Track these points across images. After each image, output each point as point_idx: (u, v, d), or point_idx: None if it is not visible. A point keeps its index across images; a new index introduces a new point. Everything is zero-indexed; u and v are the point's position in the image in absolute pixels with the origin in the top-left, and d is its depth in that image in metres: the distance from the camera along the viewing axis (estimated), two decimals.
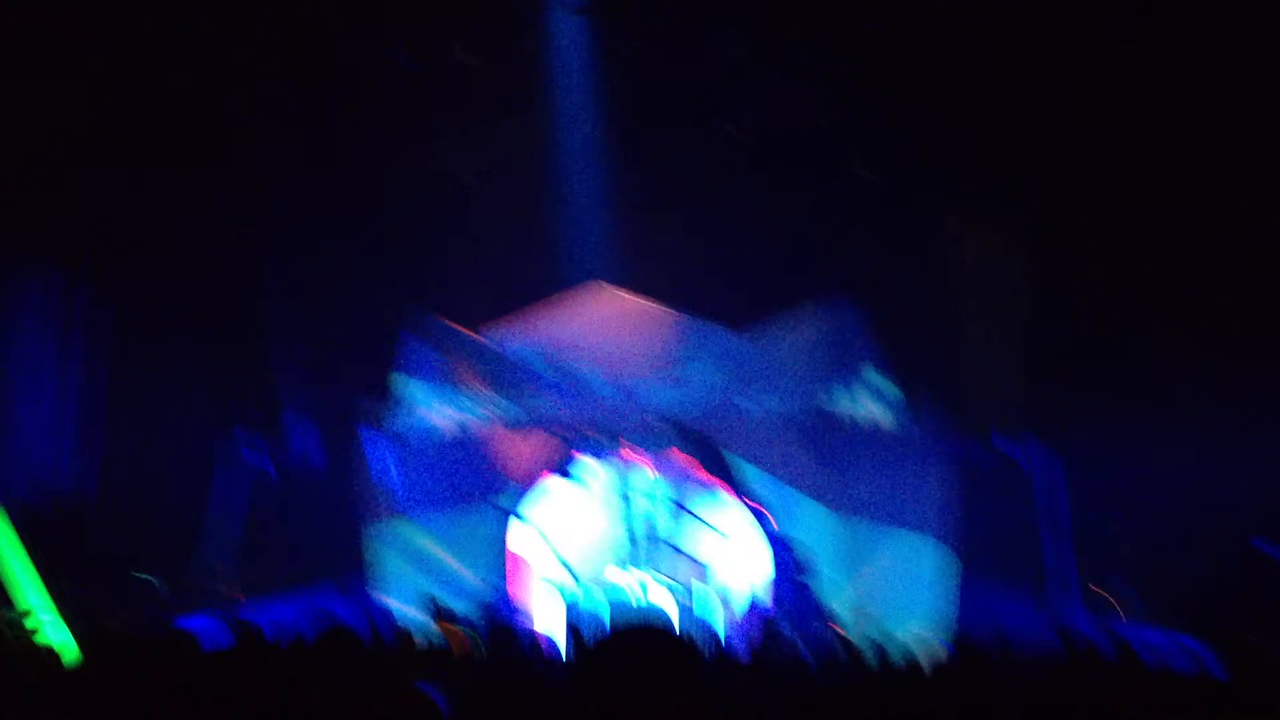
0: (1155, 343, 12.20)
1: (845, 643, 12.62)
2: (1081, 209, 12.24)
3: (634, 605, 15.01)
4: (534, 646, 9.43)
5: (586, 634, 14.30)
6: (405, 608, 13.57)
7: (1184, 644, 11.48)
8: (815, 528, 15.12)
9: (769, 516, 15.17)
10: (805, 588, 14.78)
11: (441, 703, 2.06)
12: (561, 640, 14.47)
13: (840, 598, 14.14)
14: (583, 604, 15.56)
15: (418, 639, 9.18)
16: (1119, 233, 12.01)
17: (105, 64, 13.18)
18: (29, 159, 13.09)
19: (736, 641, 13.82)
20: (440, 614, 12.31)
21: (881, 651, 9.77)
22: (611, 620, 14.77)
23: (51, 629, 12.49)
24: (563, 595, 15.68)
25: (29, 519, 13.33)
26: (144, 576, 13.71)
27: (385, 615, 12.92)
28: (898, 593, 14.10)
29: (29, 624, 12.37)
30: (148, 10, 12.87)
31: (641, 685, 2.17)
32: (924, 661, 8.87)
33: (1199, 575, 12.53)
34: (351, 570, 14.62)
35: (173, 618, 12.37)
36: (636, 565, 15.72)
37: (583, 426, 15.83)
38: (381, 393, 15.17)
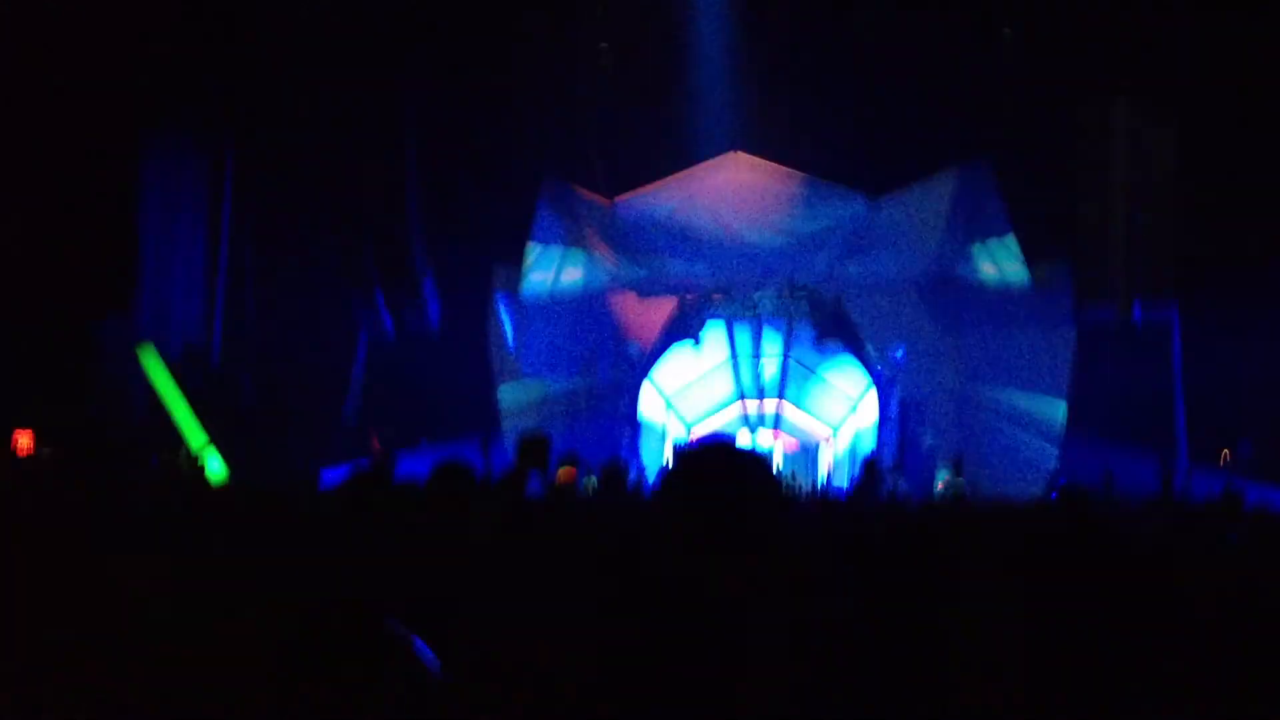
0: None
1: (949, 488, 13.20)
2: (1221, 88, 12.28)
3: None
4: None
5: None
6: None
7: None
8: (936, 387, 15.60)
9: (888, 373, 15.58)
10: (916, 439, 15.29)
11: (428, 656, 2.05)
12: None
13: (950, 450, 14.63)
14: None
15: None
16: (1264, 116, 12.06)
17: None
18: (180, 29, 13.46)
19: (840, 483, 14.34)
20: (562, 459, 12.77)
21: (982, 495, 10.18)
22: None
23: (215, 465, 13.41)
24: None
25: (183, 376, 14.05)
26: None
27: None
28: (1012, 446, 14.55)
29: (201, 461, 13.33)
30: None
31: (720, 513, 2.05)
32: (1024, 504, 9.32)
33: None
34: (486, 428, 15.14)
35: (317, 468, 13.01)
36: (758, 424, 16.26)
37: (713, 291, 16.24)
38: (517, 258, 15.59)
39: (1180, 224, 13.12)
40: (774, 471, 2.22)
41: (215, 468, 13.49)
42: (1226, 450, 13.46)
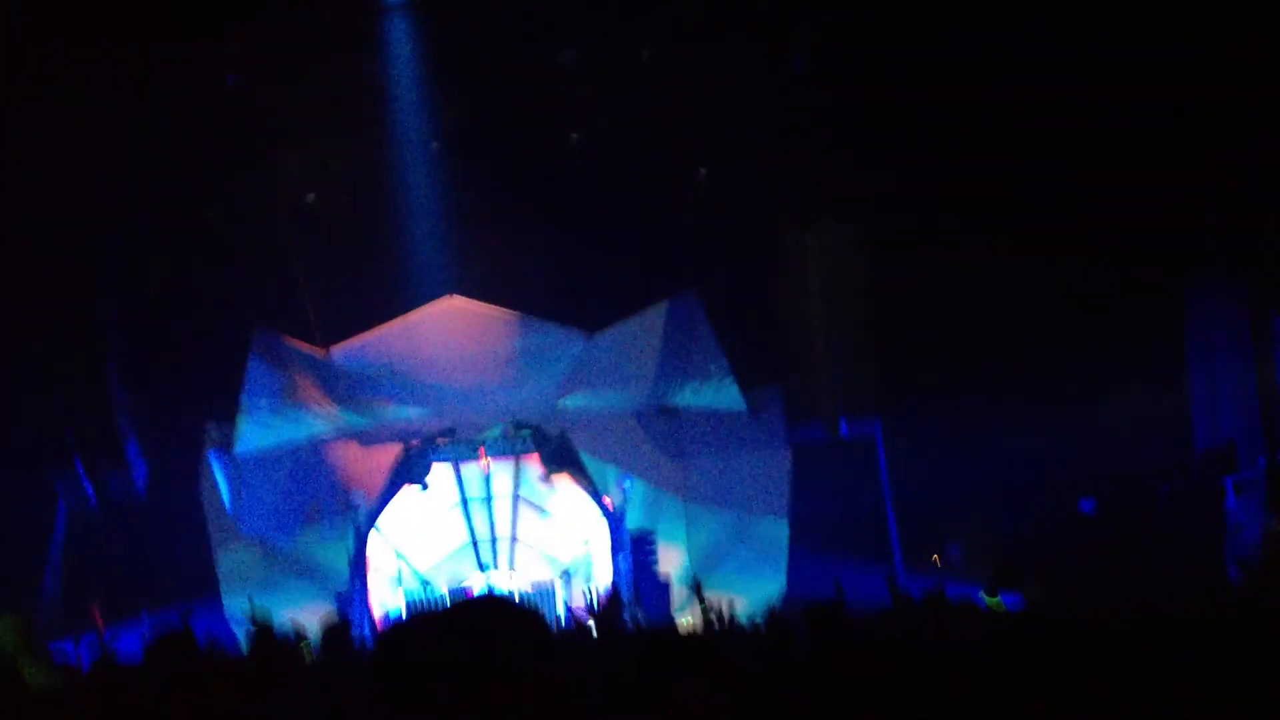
0: (985, 330, 13.33)
1: (694, 613, 13.36)
2: (916, 213, 13.23)
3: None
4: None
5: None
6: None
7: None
8: (663, 514, 15.84)
9: (618, 506, 15.73)
10: (650, 569, 15.48)
11: None
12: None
13: (686, 576, 14.77)
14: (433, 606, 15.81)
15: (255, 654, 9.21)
16: (949, 236, 13.05)
17: None
18: None
19: (580, 619, 14.30)
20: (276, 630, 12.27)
21: (724, 619, 10.42)
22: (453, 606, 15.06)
23: None
24: (413, 599, 15.86)
25: None
26: None
27: (232, 635, 12.86)
28: (741, 567, 14.88)
29: None
30: None
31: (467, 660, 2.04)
32: (763, 623, 9.59)
33: (1022, 538, 13.80)
34: (204, 594, 14.42)
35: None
36: (490, 566, 16.04)
37: (438, 435, 16.05)
38: (229, 415, 15.01)
39: (878, 342, 13.93)
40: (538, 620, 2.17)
41: None
42: (936, 555, 14.17)
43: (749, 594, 14.03)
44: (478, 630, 2.10)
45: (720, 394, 14.95)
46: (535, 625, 2.16)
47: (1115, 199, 13.09)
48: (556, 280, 14.66)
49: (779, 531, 14.61)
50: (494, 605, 2.23)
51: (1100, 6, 12.62)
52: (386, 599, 15.82)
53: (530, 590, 15.47)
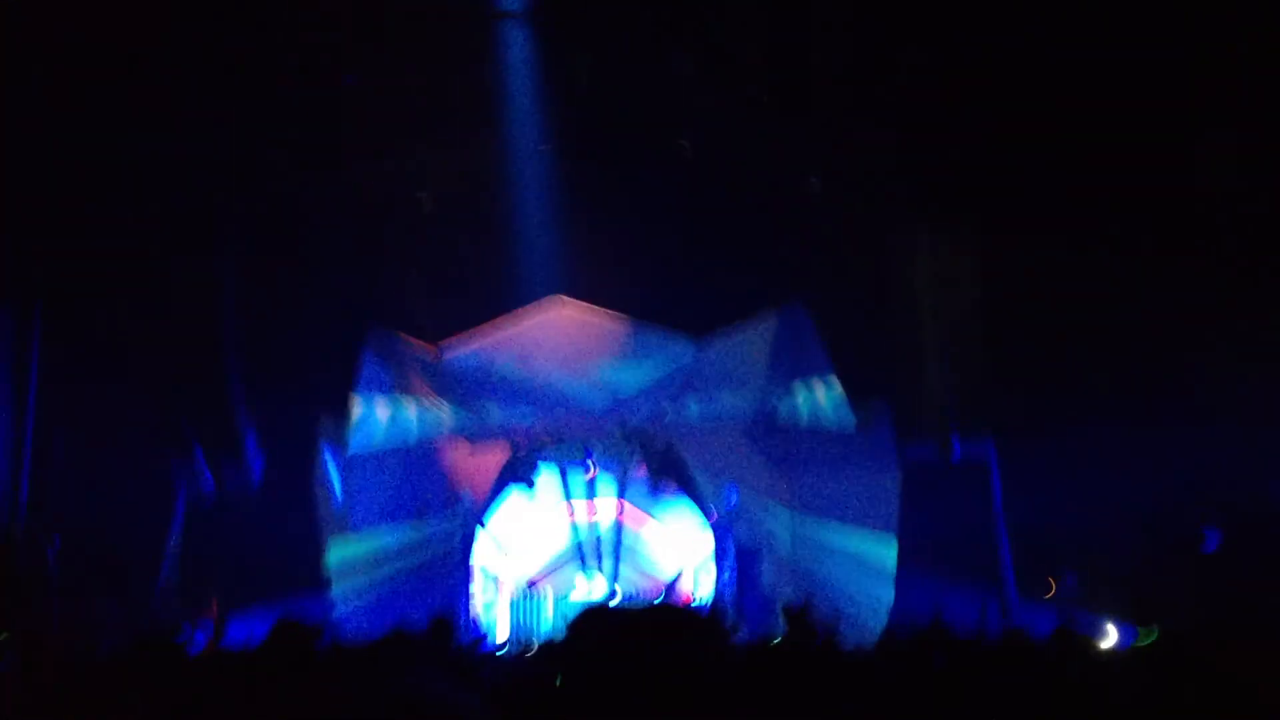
0: (1109, 346, 12.66)
1: (792, 630, 13.03)
2: (1034, 217, 12.61)
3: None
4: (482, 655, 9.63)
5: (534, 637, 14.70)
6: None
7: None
8: (769, 527, 15.55)
9: (723, 516, 15.53)
10: (755, 582, 15.21)
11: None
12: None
13: (789, 591, 14.45)
14: (538, 613, 15.84)
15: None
16: (1068, 242, 12.41)
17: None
18: None
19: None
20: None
21: (827, 637, 10.09)
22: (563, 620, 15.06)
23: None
24: (519, 606, 15.95)
25: None
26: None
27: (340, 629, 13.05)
28: (846, 585, 14.50)
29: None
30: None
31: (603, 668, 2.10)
32: (867, 646, 9.25)
33: (1141, 569, 13.11)
34: (314, 587, 14.67)
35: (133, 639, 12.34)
36: (594, 572, 16.01)
37: (542, 437, 16.06)
38: (342, 410, 15.23)
39: (991, 358, 13.37)
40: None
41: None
42: (1053, 581, 13.59)
43: (854, 614, 13.71)
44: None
45: (828, 408, 14.63)
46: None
47: (1260, 201, 12.31)
48: (665, 286, 14.47)
49: (887, 550, 14.19)
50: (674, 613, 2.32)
51: None
52: (489, 599, 15.95)
53: (627, 591, 15.47)
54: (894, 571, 14.04)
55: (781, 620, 10.68)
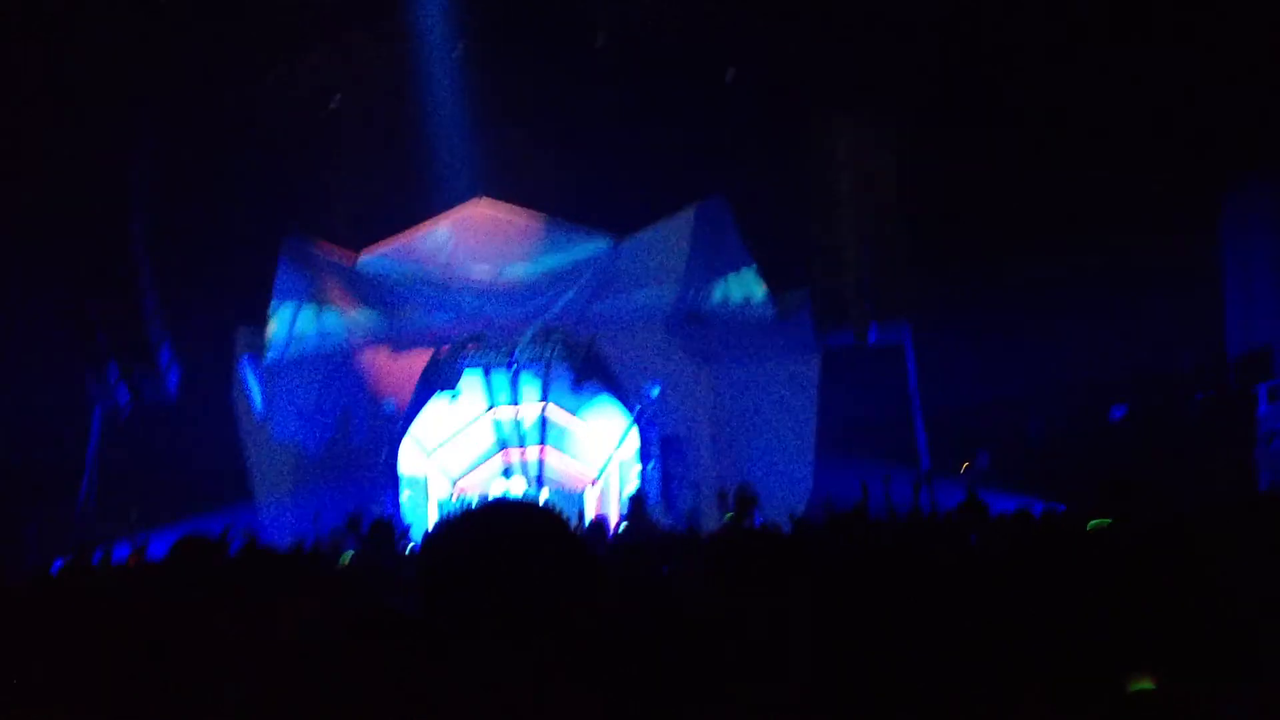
0: (1017, 233, 13.11)
1: (716, 516, 13.41)
2: (947, 111, 12.94)
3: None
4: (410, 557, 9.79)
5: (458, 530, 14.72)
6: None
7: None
8: (692, 417, 15.83)
9: (646, 409, 15.74)
10: (679, 472, 15.51)
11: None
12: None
13: (711, 479, 14.80)
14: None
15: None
16: (981, 136, 12.76)
17: None
18: None
19: (608, 521, 14.50)
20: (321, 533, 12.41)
21: (746, 520, 10.45)
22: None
23: None
24: (446, 508, 16.03)
25: None
26: None
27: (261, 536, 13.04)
28: (768, 471, 14.88)
29: None
30: None
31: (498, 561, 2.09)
32: (786, 525, 9.63)
33: (1050, 447, 13.75)
34: (237, 498, 14.60)
35: (53, 559, 12.21)
36: (516, 472, 16.16)
37: (467, 341, 16.07)
38: (260, 318, 15.08)
39: (908, 244, 13.75)
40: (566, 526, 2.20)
41: None
42: (966, 462, 14.14)
43: (774, 498, 14.10)
44: (508, 537, 2.14)
45: (748, 299, 14.86)
46: (559, 529, 2.19)
47: (1155, 98, 12.78)
48: (585, 184, 14.52)
49: (806, 437, 14.57)
50: (520, 510, 2.24)
51: None
52: (415, 504, 16.02)
53: (558, 496, 15.63)
54: (813, 457, 14.46)
55: (728, 502, 11.04)
